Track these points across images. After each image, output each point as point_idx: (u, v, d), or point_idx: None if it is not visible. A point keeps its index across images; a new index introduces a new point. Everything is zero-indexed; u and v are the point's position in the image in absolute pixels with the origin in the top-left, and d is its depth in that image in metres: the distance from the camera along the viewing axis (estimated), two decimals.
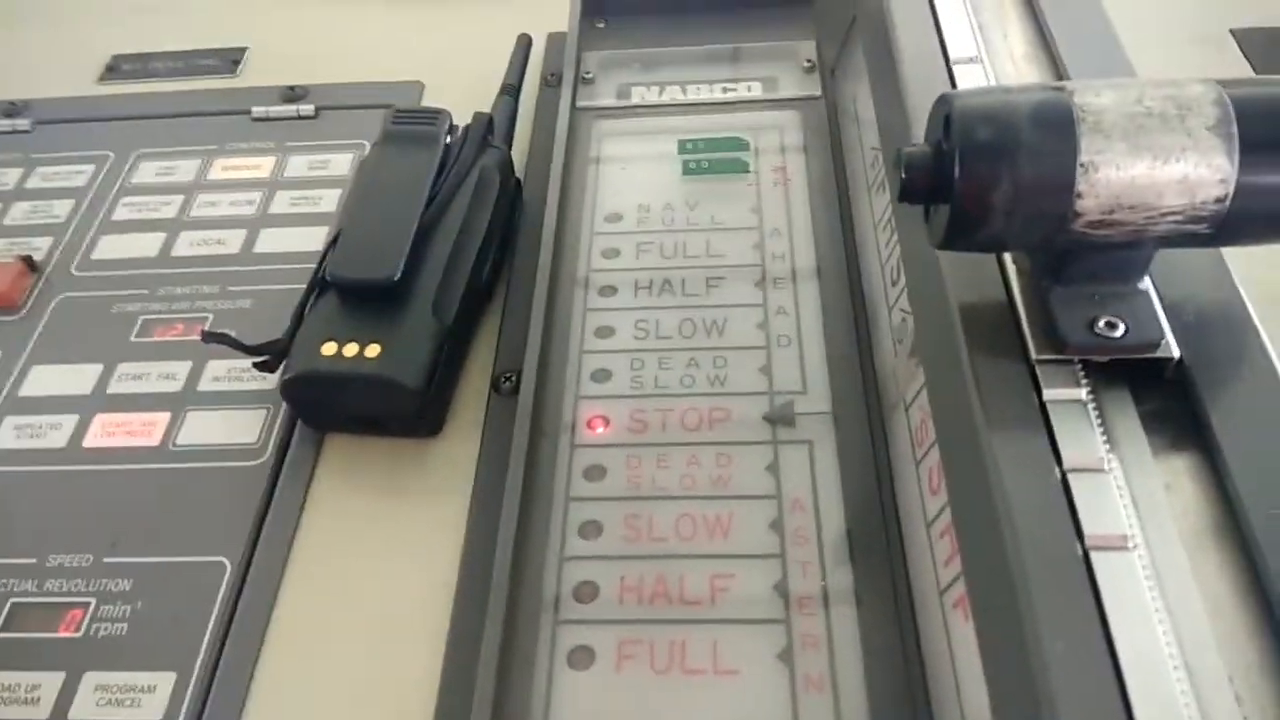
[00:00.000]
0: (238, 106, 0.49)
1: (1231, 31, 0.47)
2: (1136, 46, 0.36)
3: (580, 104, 0.45)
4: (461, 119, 0.41)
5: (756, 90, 0.45)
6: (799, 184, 0.40)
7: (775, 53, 0.47)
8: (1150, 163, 0.22)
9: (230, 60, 0.52)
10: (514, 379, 0.35)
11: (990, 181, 0.22)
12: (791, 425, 0.32)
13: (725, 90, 0.45)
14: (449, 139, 0.40)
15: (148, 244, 0.44)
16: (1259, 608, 0.20)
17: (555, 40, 0.50)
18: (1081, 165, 0.22)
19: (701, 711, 0.27)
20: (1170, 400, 0.24)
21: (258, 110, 0.49)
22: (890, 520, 0.29)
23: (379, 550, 0.33)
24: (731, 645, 0.28)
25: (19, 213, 0.46)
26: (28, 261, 0.43)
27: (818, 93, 0.44)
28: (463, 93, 0.47)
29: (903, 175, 0.24)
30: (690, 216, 0.40)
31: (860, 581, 0.28)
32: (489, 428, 0.34)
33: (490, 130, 0.41)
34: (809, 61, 0.46)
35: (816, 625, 0.28)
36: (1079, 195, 0.22)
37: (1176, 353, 0.24)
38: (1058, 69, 0.32)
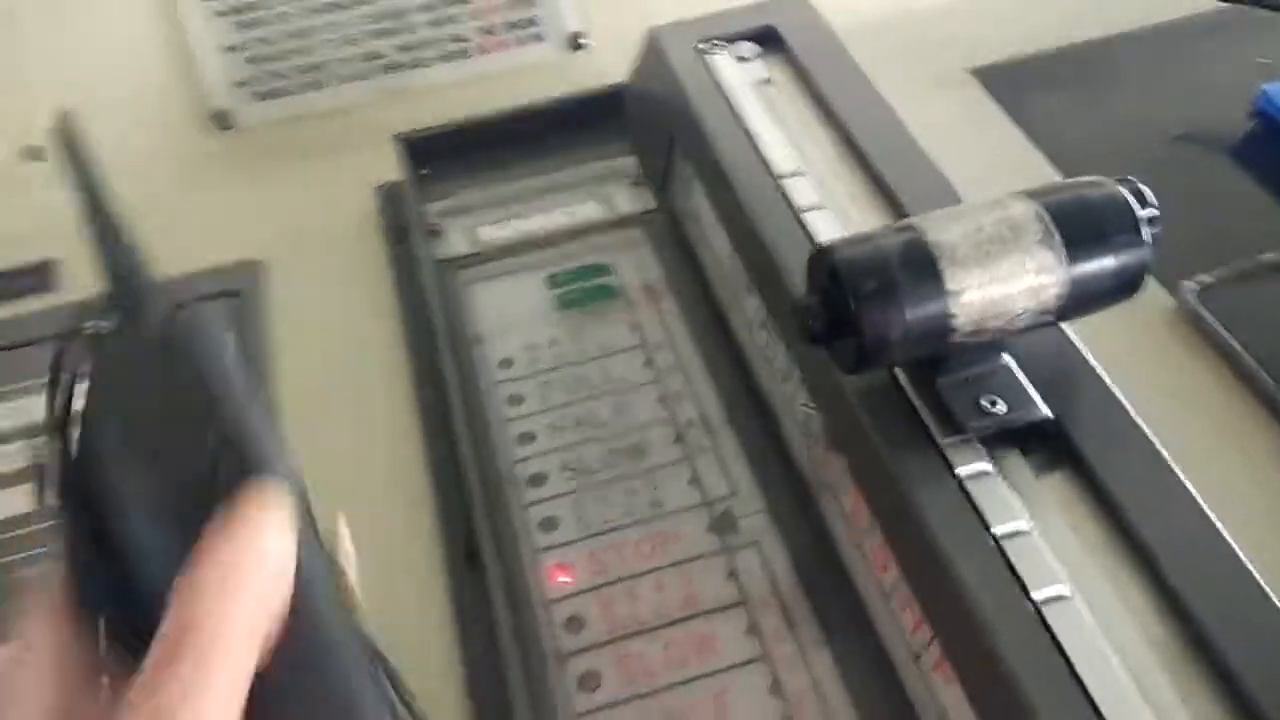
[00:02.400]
0: (57, 330, 0.47)
1: (972, 71, 0.55)
2: (885, 92, 0.41)
3: (438, 256, 0.46)
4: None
5: (597, 211, 0.48)
6: (667, 297, 0.44)
7: (601, 173, 0.50)
8: (1004, 282, 0.27)
9: (41, 276, 0.49)
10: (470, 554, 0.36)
11: (885, 323, 0.27)
12: (735, 531, 0.36)
13: (567, 215, 0.48)
14: None
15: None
16: (1176, 620, 0.25)
17: (386, 189, 0.51)
18: (951, 293, 0.27)
19: None
20: (1054, 453, 0.29)
21: (89, 326, 0.47)
22: (851, 601, 0.33)
23: None
24: None
25: None
26: None
27: (652, 205, 0.48)
28: (310, 261, 0.48)
29: (809, 325, 0.28)
30: (578, 349, 0.42)
31: (841, 663, 0.32)
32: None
33: None
34: (632, 177, 0.50)
35: (817, 713, 0.31)
36: (953, 317, 0.27)
37: (1049, 413, 0.29)
38: (873, 177, 0.37)
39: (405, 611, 0.36)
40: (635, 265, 0.45)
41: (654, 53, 0.45)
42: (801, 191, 0.37)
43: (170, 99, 0.53)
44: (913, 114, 0.40)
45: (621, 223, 0.47)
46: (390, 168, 0.50)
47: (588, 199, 0.49)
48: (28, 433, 0.44)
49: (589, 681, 0.33)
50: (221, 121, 0.53)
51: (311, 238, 0.50)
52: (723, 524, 0.36)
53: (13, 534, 0.40)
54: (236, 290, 0.48)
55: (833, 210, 0.36)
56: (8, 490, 0.42)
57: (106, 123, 0.52)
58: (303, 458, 0.39)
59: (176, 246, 0.49)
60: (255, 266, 0.49)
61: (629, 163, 0.50)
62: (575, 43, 0.55)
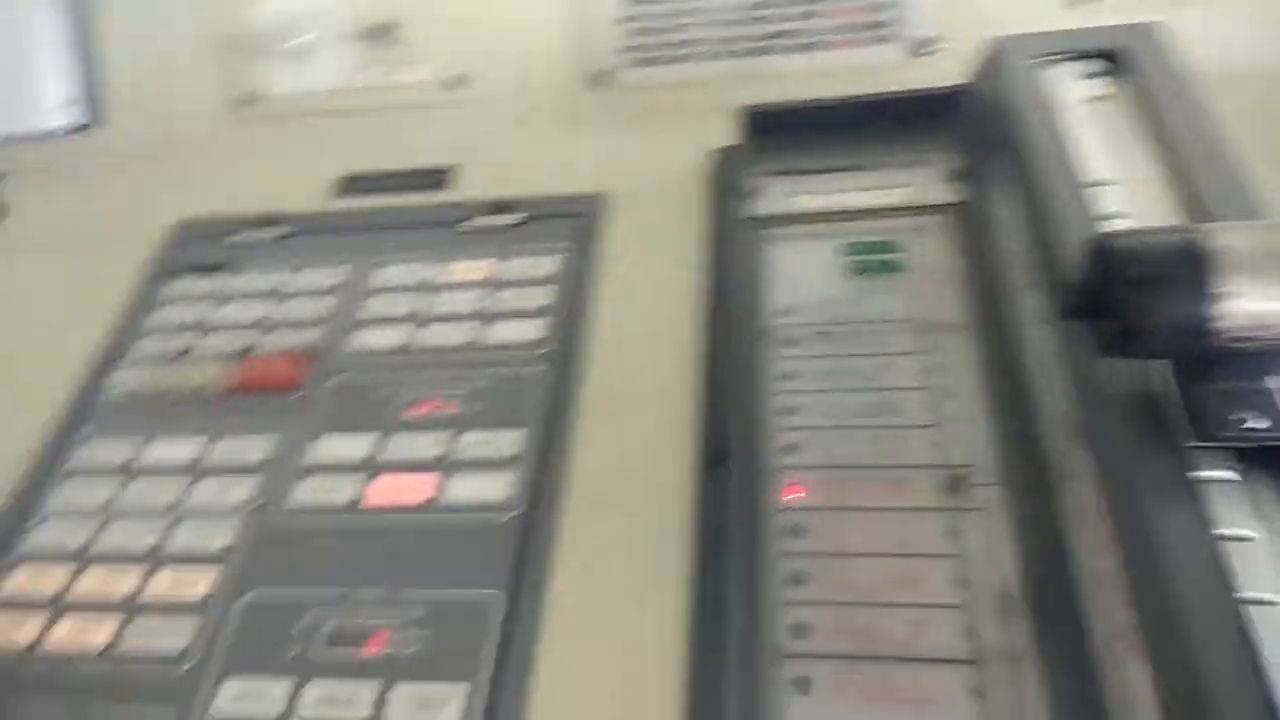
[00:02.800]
0: (453, 217, 0.59)
1: None
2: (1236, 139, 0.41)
3: (751, 214, 0.53)
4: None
5: (904, 197, 0.52)
6: (950, 283, 0.47)
7: (918, 164, 0.54)
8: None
9: (440, 178, 0.62)
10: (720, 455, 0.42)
11: (1145, 308, 0.29)
12: (966, 496, 0.39)
13: (877, 197, 0.52)
14: None
15: (395, 336, 0.53)
16: None
17: (720, 153, 0.58)
18: (1220, 295, 0.29)
19: None
20: None
21: (473, 221, 0.58)
22: (1064, 578, 0.35)
23: (619, 591, 0.40)
24: (930, 680, 0.34)
25: (287, 310, 0.56)
26: (302, 352, 0.52)
27: (961, 199, 0.51)
28: (644, 203, 0.56)
29: (1073, 301, 0.31)
30: (857, 311, 0.47)
31: (1040, 630, 0.34)
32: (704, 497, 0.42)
33: None
34: (948, 172, 0.53)
35: (1003, 670, 0.34)
36: (1219, 319, 0.29)
37: None
38: (1188, 197, 0.38)
39: (644, 503, 0.43)
40: (928, 249, 0.49)
41: (993, 59, 0.48)
42: (1109, 199, 0.39)
43: (563, 57, 0.64)
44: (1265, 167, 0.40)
45: (924, 210, 0.51)
46: (729, 137, 0.57)
47: (901, 184, 0.53)
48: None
49: (800, 579, 0.37)
50: (602, 81, 0.63)
51: (649, 183, 0.58)
52: (955, 487, 0.39)
53: None
54: (579, 213, 0.58)
55: (1137, 221, 0.38)
56: None
57: (506, 69, 0.65)
58: (595, 347, 0.48)
59: (546, 175, 0.60)
60: (597, 198, 0.58)
61: (949, 159, 0.54)
62: (920, 48, 0.59)
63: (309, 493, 0.46)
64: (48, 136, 0.69)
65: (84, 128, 0.69)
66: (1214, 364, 0.31)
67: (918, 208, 0.51)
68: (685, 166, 0.59)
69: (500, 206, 0.59)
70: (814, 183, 0.54)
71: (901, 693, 0.34)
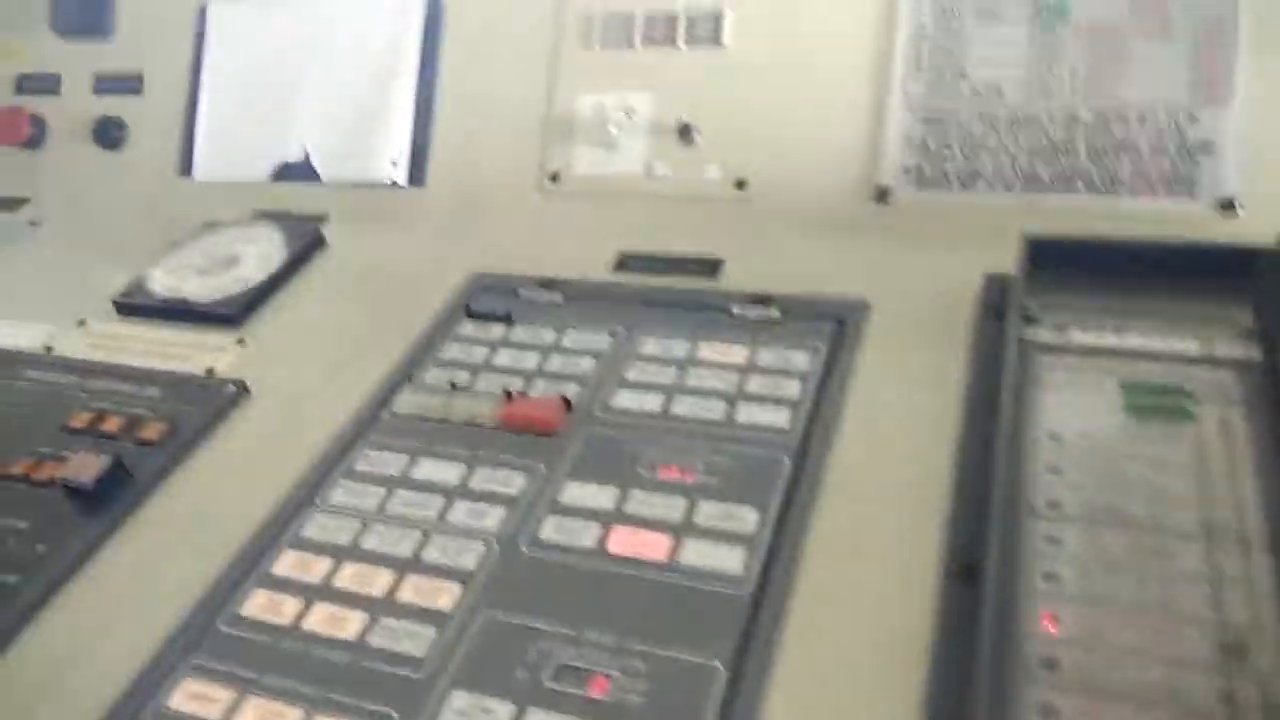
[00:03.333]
0: (717, 304, 0.62)
1: None
2: None
3: (1025, 338, 0.52)
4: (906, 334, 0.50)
5: (1193, 347, 0.50)
6: (1244, 441, 0.44)
7: (1207, 315, 0.51)
8: None
9: (711, 266, 0.65)
10: (972, 570, 0.41)
11: None
12: (1244, 660, 0.35)
13: (1161, 342, 0.50)
14: None
15: (651, 401, 0.55)
16: None
17: (993, 278, 0.58)
18: None
19: None
20: None
21: (736, 310, 0.61)
22: None
23: (846, 688, 0.39)
24: None
25: (556, 363, 0.60)
26: (565, 401, 0.56)
27: (1256, 357, 0.48)
28: (906, 316, 0.57)
29: None
30: (1131, 450, 0.45)
31: None
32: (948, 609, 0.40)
33: None
34: (1245, 327, 0.50)
35: None
36: None
37: None
38: None
39: (881, 604, 0.42)
40: (1218, 402, 0.46)
41: None
42: None
43: (845, 171, 0.67)
44: None
45: (1215, 363, 0.48)
46: (1004, 263, 0.57)
47: (1187, 336, 0.50)
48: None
49: (1048, 715, 0.35)
50: (882, 196, 0.65)
51: (915, 297, 0.58)
52: (1231, 650, 0.36)
53: None
54: (839, 316, 0.59)
55: None
56: None
57: (787, 177, 0.69)
58: (842, 443, 0.48)
59: (812, 277, 0.62)
60: (859, 304, 0.59)
61: (1242, 318, 0.51)
62: (1227, 205, 0.57)
63: (554, 530, 0.49)
64: (374, 187, 0.80)
65: (406, 184, 0.79)
66: None
67: (1205, 359, 0.49)
68: (954, 286, 0.59)
69: (762, 300, 0.61)
70: (1094, 318, 0.53)
71: None
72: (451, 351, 0.63)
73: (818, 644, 0.41)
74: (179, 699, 0.44)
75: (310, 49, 0.83)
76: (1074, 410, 0.47)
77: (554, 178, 0.74)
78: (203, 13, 0.87)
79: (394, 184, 0.79)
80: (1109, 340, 0.51)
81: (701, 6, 0.70)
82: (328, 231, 0.77)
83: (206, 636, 0.46)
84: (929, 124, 0.64)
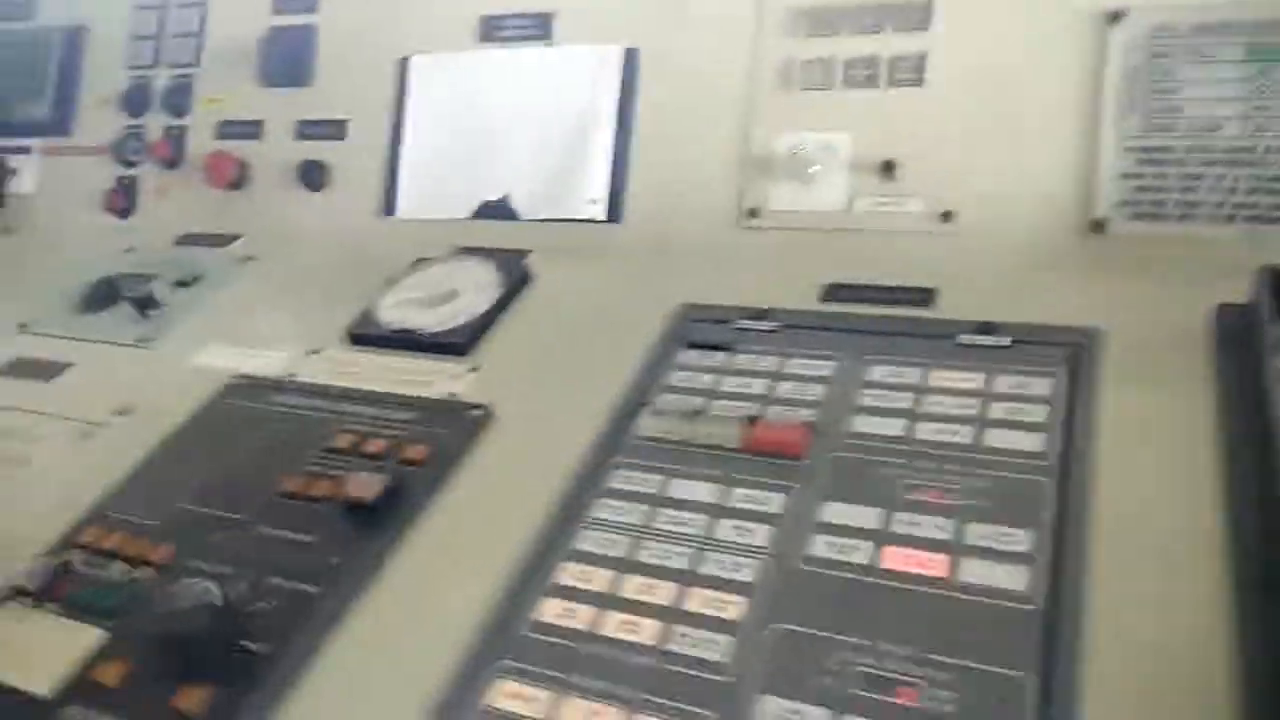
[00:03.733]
0: (938, 332, 0.64)
1: None
2: None
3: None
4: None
5: None
6: None
7: None
8: None
9: (924, 296, 0.68)
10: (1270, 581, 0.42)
11: None
12: None
13: None
14: None
15: (893, 426, 0.58)
16: None
17: (1225, 309, 0.59)
18: None
19: None
20: None
21: (962, 337, 0.63)
22: None
23: (1156, 697, 0.41)
24: None
25: (785, 389, 0.63)
26: (808, 425, 0.59)
27: None
28: (1138, 344, 0.58)
29: None
30: None
31: None
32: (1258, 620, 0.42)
33: None
34: None
35: None
36: None
37: None
38: None
39: (1176, 618, 0.44)
40: None
41: None
42: None
43: (1053, 203, 0.69)
44: None
45: None
46: (1228, 293, 0.58)
47: None
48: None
49: None
50: (1097, 228, 0.67)
51: (1144, 327, 0.60)
52: None
53: None
54: (1071, 343, 0.60)
55: None
56: None
57: (995, 209, 0.71)
58: (1101, 466, 0.50)
59: (1029, 306, 0.64)
60: (1090, 331, 0.61)
61: None
62: None
63: (824, 549, 0.51)
64: (573, 222, 0.84)
65: (606, 221, 0.83)
66: None
67: None
68: (1182, 316, 0.60)
69: (986, 328, 0.63)
70: None
71: None
72: (679, 378, 0.66)
73: (1121, 655, 0.43)
74: (499, 698, 0.47)
75: (511, 101, 0.88)
76: None
77: (752, 213, 0.78)
78: (404, 64, 0.93)
79: (593, 220, 0.84)
80: None
81: (905, 48, 0.74)
82: (533, 265, 0.81)
83: (511, 641, 0.50)
84: (1144, 159, 0.66)
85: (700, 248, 0.79)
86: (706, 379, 0.66)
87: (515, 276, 0.79)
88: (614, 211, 0.83)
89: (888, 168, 0.72)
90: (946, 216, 0.71)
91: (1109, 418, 0.55)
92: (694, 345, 0.69)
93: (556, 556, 0.54)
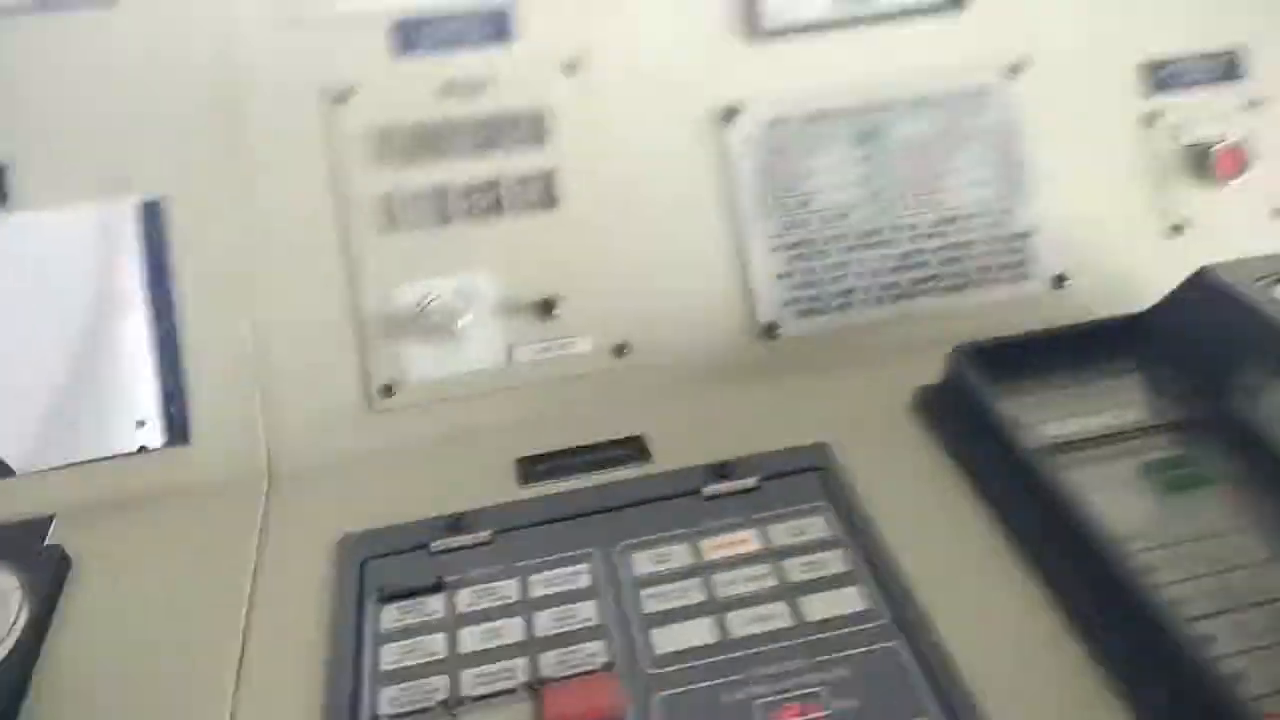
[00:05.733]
0: (681, 490, 0.55)
1: None
2: None
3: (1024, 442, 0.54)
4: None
5: (1133, 416, 0.56)
6: (1251, 487, 0.50)
7: (1111, 388, 0.58)
8: None
9: (638, 449, 0.58)
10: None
11: None
12: None
13: (1114, 419, 0.55)
14: None
15: (700, 630, 0.47)
16: None
17: (925, 394, 0.59)
18: None
19: None
20: None
21: (706, 490, 0.54)
22: None
23: None
24: None
25: (545, 624, 0.48)
26: (607, 668, 0.45)
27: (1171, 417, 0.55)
28: (865, 443, 0.56)
29: None
30: (1193, 528, 0.48)
31: None
32: None
33: None
34: (1144, 390, 0.57)
35: None
36: None
37: None
38: None
39: None
40: (1213, 464, 0.52)
41: (1207, 285, 0.54)
42: None
43: (725, 315, 0.64)
44: None
45: (1170, 429, 0.54)
46: (911, 371, 0.59)
47: (1115, 407, 0.56)
48: None
49: None
50: (770, 333, 0.63)
51: (860, 427, 0.58)
52: None
53: None
54: (814, 466, 0.56)
55: None
56: None
57: (667, 333, 0.64)
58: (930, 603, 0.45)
59: (741, 432, 0.58)
60: (822, 448, 0.57)
61: (1133, 380, 0.58)
62: (1059, 282, 0.65)
63: None
64: (119, 460, 0.58)
65: (167, 446, 0.59)
66: None
67: (1171, 424, 0.55)
68: (886, 404, 0.59)
69: (723, 470, 0.55)
70: (1043, 413, 0.56)
71: None
72: (392, 658, 0.47)
73: None
74: None
75: None
76: (1110, 503, 0.50)
77: (387, 391, 0.61)
78: None
79: (146, 449, 0.58)
80: (1078, 428, 0.55)
81: (525, 167, 0.63)
82: (65, 542, 0.53)
83: None
84: (792, 256, 0.64)
85: (322, 455, 0.59)
86: (435, 642, 0.48)
87: (43, 573, 0.51)
88: (175, 431, 0.59)
89: (546, 306, 0.61)
90: (620, 350, 0.63)
91: (893, 537, 0.51)
92: (392, 599, 0.50)
93: None
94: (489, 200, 0.62)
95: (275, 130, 0.63)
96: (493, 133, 0.62)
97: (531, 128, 0.63)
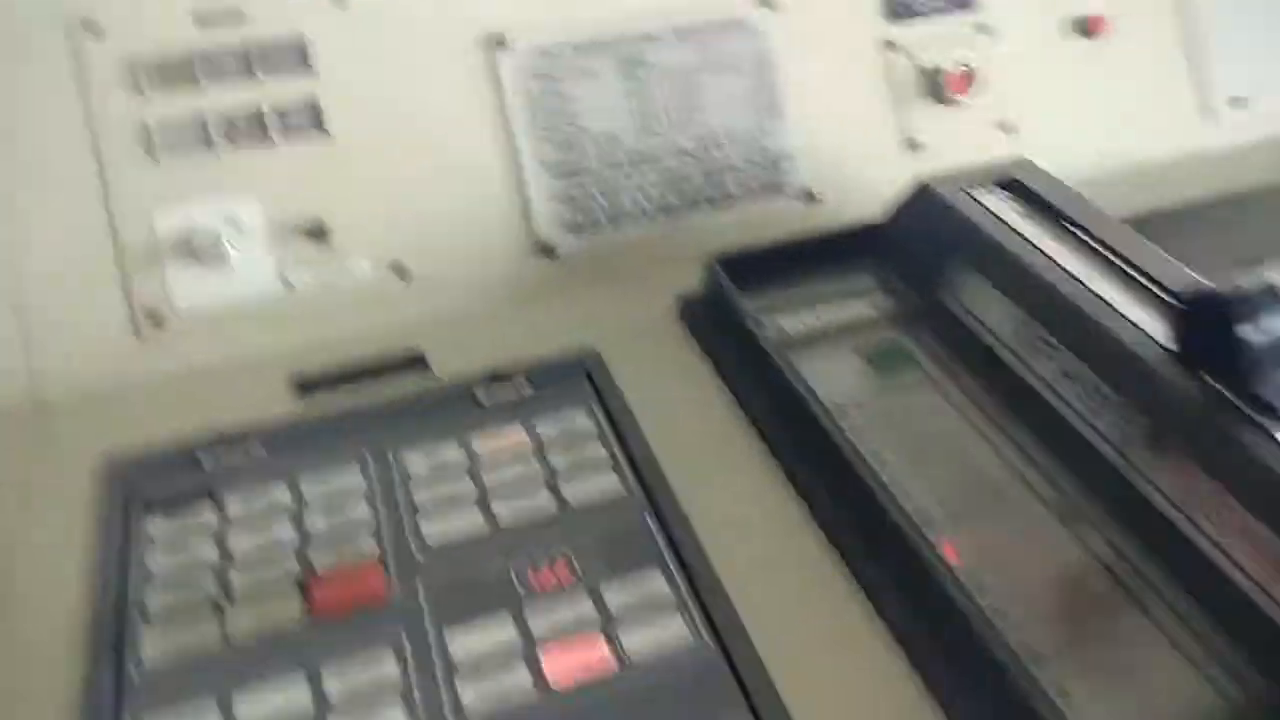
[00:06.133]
0: (456, 395, 0.57)
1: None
2: None
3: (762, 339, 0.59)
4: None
5: (864, 311, 0.62)
6: (957, 370, 0.58)
7: (848, 290, 0.65)
8: None
9: (416, 363, 0.60)
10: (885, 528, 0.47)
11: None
12: (1083, 521, 0.47)
13: (843, 314, 0.62)
14: None
15: (467, 520, 0.50)
16: None
17: (686, 298, 0.64)
18: None
19: None
20: None
21: (481, 394, 0.57)
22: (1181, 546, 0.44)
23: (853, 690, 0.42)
24: None
25: (317, 523, 0.50)
26: (375, 558, 0.48)
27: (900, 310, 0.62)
28: (633, 350, 0.60)
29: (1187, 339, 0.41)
30: (905, 407, 0.55)
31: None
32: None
33: None
34: (875, 291, 0.64)
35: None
36: None
37: None
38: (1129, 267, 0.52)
39: (826, 610, 0.46)
40: (922, 348, 0.59)
41: (925, 195, 0.60)
42: (1080, 270, 0.52)
43: (503, 235, 0.67)
44: None
45: (890, 321, 0.61)
46: (678, 282, 0.64)
47: (848, 305, 0.63)
48: None
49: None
50: (547, 251, 0.67)
51: (627, 333, 0.62)
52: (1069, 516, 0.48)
53: None
54: (583, 370, 0.60)
55: (1116, 289, 0.51)
56: None
57: (443, 255, 0.66)
58: (678, 483, 0.50)
59: (517, 344, 0.61)
60: (594, 352, 0.61)
61: (866, 281, 0.65)
62: (809, 198, 0.71)
63: (475, 694, 0.42)
64: None
65: None
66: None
67: (881, 319, 0.61)
68: (654, 314, 0.64)
69: (497, 376, 0.58)
70: (787, 311, 0.62)
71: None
72: (160, 561, 0.48)
73: (811, 673, 0.43)
74: None
75: None
76: (836, 388, 0.56)
77: (153, 318, 0.60)
78: None
79: None
80: (810, 323, 0.61)
81: (289, 95, 0.63)
82: None
83: None
84: (566, 178, 0.67)
85: (91, 383, 0.59)
86: (203, 549, 0.49)
87: None
88: None
89: (318, 231, 0.62)
90: (399, 272, 0.64)
91: (653, 433, 0.55)
92: (156, 507, 0.51)
93: None
94: (254, 128, 0.62)
95: (28, 59, 0.61)
96: (255, 62, 0.62)
97: (295, 56, 0.63)
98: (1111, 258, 0.54)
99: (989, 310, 0.56)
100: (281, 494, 0.52)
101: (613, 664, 0.43)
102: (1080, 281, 0.51)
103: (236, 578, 0.47)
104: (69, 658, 0.43)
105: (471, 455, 0.54)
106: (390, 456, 0.54)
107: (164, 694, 0.42)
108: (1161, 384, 0.46)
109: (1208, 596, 0.43)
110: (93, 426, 0.56)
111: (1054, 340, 0.52)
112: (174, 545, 0.49)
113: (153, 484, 0.52)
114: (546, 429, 0.56)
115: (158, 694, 0.42)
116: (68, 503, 0.51)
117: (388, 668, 0.43)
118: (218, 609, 0.45)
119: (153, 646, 0.44)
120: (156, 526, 0.50)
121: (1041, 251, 0.54)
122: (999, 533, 0.48)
